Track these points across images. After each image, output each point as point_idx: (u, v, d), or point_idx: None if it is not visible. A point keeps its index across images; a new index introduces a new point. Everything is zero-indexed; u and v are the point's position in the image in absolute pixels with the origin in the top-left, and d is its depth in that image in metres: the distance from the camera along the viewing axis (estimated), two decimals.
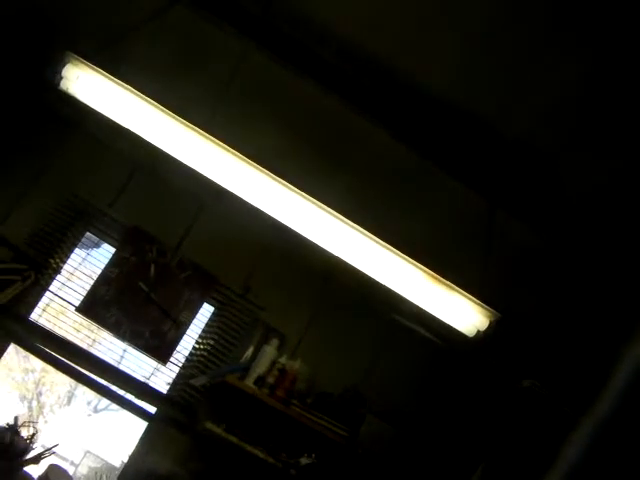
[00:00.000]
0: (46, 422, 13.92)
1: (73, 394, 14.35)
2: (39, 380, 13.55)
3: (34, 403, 13.96)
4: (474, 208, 4.24)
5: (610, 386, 0.83)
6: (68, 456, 13.33)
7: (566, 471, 0.85)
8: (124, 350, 5.32)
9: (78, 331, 5.20)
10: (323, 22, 3.70)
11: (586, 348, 4.65)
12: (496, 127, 3.82)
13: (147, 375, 5.14)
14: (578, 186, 3.90)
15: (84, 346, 5.06)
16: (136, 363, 5.18)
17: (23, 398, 13.87)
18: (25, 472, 4.57)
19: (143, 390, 5.06)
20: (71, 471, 13.09)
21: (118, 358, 5.19)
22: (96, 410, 14.50)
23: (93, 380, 5.04)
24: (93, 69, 3.83)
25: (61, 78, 3.91)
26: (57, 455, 12.99)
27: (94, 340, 5.26)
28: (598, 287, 4.43)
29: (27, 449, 4.61)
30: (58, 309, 5.02)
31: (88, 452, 13.37)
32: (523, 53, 3.28)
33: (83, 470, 13.01)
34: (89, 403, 14.51)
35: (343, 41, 3.76)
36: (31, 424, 4.76)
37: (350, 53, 3.79)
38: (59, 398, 14.13)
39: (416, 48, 3.57)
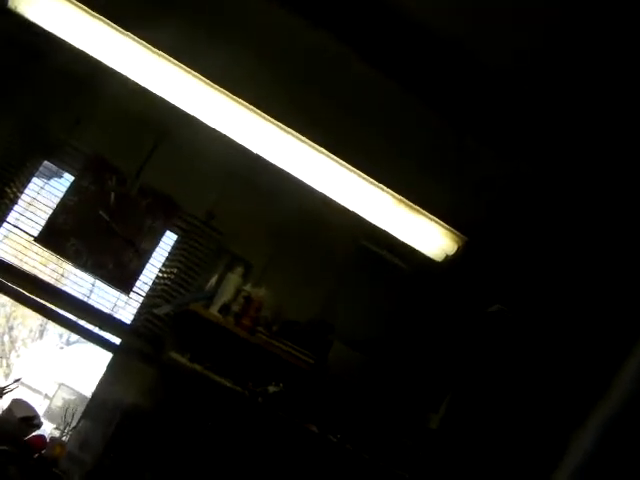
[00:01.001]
0: (18, 356, 13.88)
1: (45, 327, 14.28)
2: (10, 314, 13.44)
3: (6, 337, 13.88)
4: (444, 135, 4.13)
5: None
6: (42, 389, 13.33)
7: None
8: (92, 284, 5.21)
9: (43, 265, 5.06)
10: None
11: (554, 272, 4.60)
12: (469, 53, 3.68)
13: (111, 306, 5.03)
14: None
15: (49, 280, 4.95)
16: (100, 294, 5.09)
17: None
18: None
19: (107, 321, 4.97)
20: (45, 404, 13.11)
21: (83, 290, 5.06)
22: (68, 343, 14.44)
23: (58, 313, 4.94)
24: None
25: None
26: (30, 388, 13.00)
27: (60, 274, 5.14)
28: (565, 211, 4.36)
29: None
30: (19, 241, 4.86)
31: (62, 384, 13.36)
32: None
33: (58, 402, 13.00)
34: (61, 336, 14.44)
35: None
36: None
37: None
38: (31, 331, 14.07)
39: None
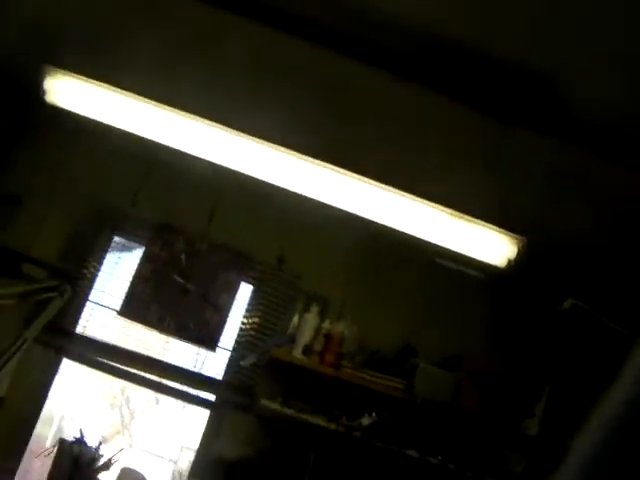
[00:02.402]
0: (139, 425, 14.18)
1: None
2: (124, 387, 13.75)
3: (124, 409, 14.21)
4: (487, 136, 4.13)
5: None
6: (165, 454, 13.56)
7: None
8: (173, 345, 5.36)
9: (126, 335, 5.24)
10: None
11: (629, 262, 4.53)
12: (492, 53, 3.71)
13: (199, 364, 5.16)
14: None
15: (134, 349, 5.11)
16: (185, 354, 5.22)
17: (113, 406, 14.12)
18: None
19: (198, 380, 5.09)
20: (171, 468, 13.31)
21: (169, 354, 5.22)
22: (184, 405, 14.67)
23: (149, 380, 5.09)
24: (74, 77, 3.84)
25: (45, 92, 3.91)
26: (154, 454, 13.25)
27: (142, 340, 5.30)
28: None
29: (96, 458, 4.68)
30: (101, 316, 5.06)
31: (184, 447, 13.57)
32: None
33: (183, 465, 13.21)
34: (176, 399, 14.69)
35: None
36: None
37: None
38: (147, 400, 14.35)
39: None
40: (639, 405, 0.76)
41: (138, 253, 5.17)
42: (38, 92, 3.90)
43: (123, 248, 5.27)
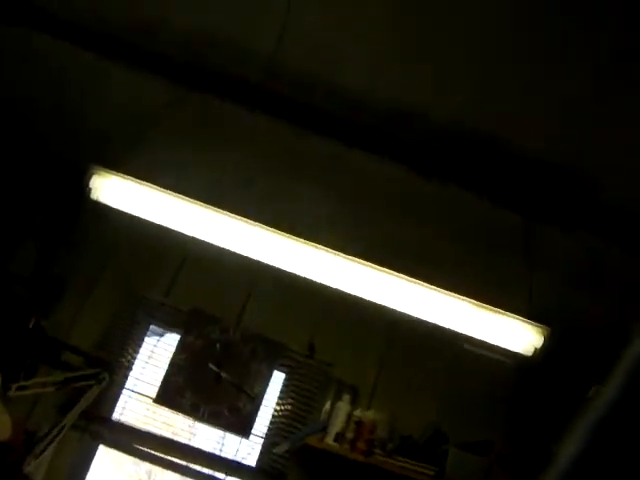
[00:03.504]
0: None
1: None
2: (151, 469, 13.72)
3: None
4: (508, 227, 4.29)
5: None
6: None
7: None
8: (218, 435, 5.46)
9: (167, 425, 5.36)
10: None
11: None
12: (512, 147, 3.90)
13: (233, 452, 5.25)
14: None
15: (167, 435, 5.22)
16: (219, 442, 5.31)
17: None
18: None
19: (233, 467, 5.18)
20: None
21: (207, 442, 5.33)
22: None
23: (185, 467, 5.19)
24: (117, 175, 4.04)
25: (90, 190, 4.12)
26: None
27: (171, 425, 5.41)
28: None
29: None
30: (138, 403, 5.19)
31: None
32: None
33: None
34: None
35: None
36: None
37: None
38: None
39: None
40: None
41: (173, 341, 5.32)
42: (84, 189, 4.11)
43: (159, 336, 5.42)
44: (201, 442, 5.34)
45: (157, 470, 14.11)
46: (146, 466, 14.07)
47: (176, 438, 5.29)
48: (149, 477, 14.33)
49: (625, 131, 3.53)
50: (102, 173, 4.08)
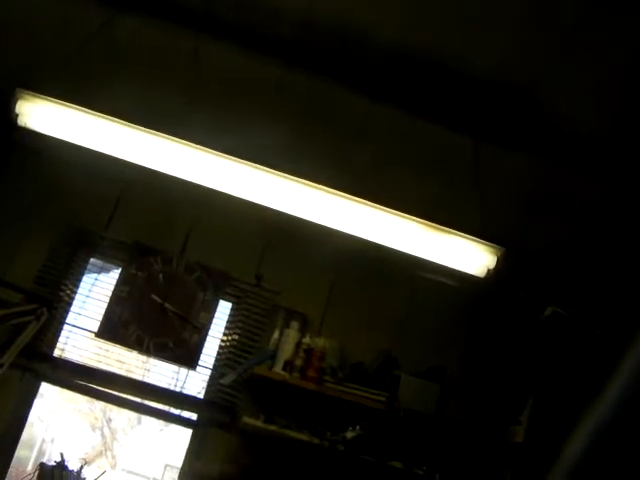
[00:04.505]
0: (121, 446, 14.08)
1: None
2: (105, 407, 13.65)
3: (106, 430, 14.10)
4: (458, 151, 4.17)
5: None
6: (149, 473, 13.48)
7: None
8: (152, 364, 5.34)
9: (106, 357, 5.21)
10: None
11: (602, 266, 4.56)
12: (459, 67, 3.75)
13: (179, 384, 5.14)
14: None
15: (114, 370, 5.08)
16: (165, 374, 5.18)
17: (94, 427, 14.01)
18: None
19: (180, 400, 5.07)
20: None
21: (148, 373, 5.19)
22: (167, 424, 14.58)
23: (131, 401, 5.06)
24: (45, 99, 3.81)
25: (17, 115, 3.88)
26: (138, 475, 13.17)
27: (122, 361, 5.26)
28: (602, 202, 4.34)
29: None
30: (80, 338, 5.02)
31: (167, 465, 13.49)
32: None
33: None
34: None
35: None
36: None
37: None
38: (129, 420, 14.26)
39: None
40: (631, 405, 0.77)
41: (115, 275, 5.13)
42: (10, 115, 3.87)
43: (100, 270, 5.23)
44: (156, 378, 5.18)
45: (113, 407, 14.07)
46: (101, 405, 14.03)
47: (130, 375, 5.14)
48: (104, 415, 14.31)
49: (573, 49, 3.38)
50: (29, 97, 3.84)
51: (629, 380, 0.77)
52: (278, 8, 3.74)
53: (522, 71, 3.66)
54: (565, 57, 3.46)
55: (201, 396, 5.12)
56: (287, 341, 4.78)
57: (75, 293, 5.09)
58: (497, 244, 3.80)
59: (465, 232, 3.86)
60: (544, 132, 3.99)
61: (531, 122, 3.95)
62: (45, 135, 4.00)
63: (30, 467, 10.92)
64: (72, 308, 5.07)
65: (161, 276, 5.05)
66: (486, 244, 3.83)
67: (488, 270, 3.92)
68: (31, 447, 12.34)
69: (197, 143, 3.86)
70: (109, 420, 14.19)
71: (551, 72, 3.60)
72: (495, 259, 3.87)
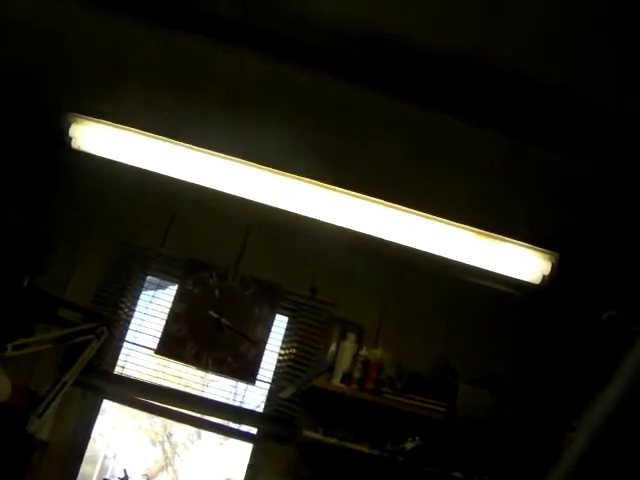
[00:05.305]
0: (182, 460, 14.18)
1: None
2: (165, 422, 13.77)
3: (167, 445, 14.22)
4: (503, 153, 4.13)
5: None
6: None
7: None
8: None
9: (164, 373, 5.27)
10: None
11: None
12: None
13: (238, 398, 5.18)
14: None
15: (173, 386, 5.13)
16: (223, 388, 5.23)
17: (154, 442, 14.14)
18: None
19: (239, 414, 5.10)
20: None
21: (206, 388, 5.24)
22: (226, 438, 14.65)
23: (190, 416, 5.11)
24: (96, 121, 3.89)
25: (70, 138, 3.97)
26: None
27: (180, 377, 5.32)
28: None
29: None
30: (139, 356, 5.10)
31: (228, 479, 13.55)
32: None
33: None
34: None
35: None
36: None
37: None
38: (189, 434, 14.35)
39: None
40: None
41: (171, 291, 5.20)
42: (64, 138, 3.96)
43: (157, 287, 5.30)
44: (214, 393, 5.24)
45: (173, 422, 14.18)
46: (162, 420, 14.14)
47: (188, 390, 5.20)
48: (164, 430, 14.42)
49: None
50: (80, 120, 3.93)
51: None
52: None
53: (567, 72, 3.62)
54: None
55: (260, 410, 5.16)
56: (344, 353, 4.79)
57: (133, 311, 5.18)
58: (550, 249, 3.78)
59: (517, 238, 3.84)
60: (592, 131, 3.94)
61: (578, 121, 3.90)
62: (97, 156, 4.08)
63: None
64: (131, 326, 5.15)
65: (217, 291, 5.10)
66: (540, 250, 3.81)
67: (543, 276, 3.90)
68: (94, 463, 12.48)
69: (245, 158, 3.91)
70: (169, 435, 14.30)
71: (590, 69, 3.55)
72: (550, 265, 3.86)
